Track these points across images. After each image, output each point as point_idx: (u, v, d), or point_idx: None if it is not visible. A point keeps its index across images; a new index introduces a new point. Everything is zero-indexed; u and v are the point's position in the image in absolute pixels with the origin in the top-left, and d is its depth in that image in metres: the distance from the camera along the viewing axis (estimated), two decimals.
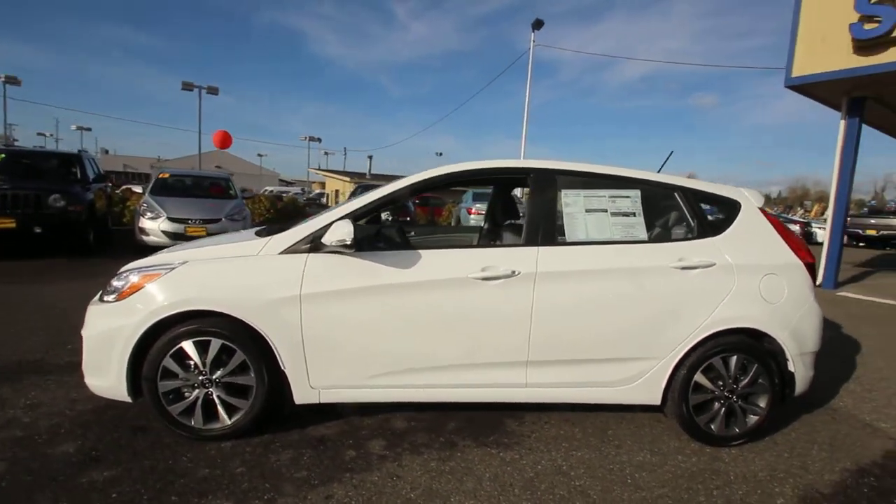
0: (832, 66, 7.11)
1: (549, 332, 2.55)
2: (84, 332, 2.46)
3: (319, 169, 54.27)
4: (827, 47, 7.14)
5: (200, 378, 2.40)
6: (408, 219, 11.97)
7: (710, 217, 2.85)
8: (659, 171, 3.05)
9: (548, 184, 2.71)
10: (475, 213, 12.79)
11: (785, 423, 2.99)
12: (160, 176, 9.66)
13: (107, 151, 64.90)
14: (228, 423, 2.43)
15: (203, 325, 2.37)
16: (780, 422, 2.96)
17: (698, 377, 2.64)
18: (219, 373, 2.41)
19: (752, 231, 2.81)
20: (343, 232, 2.33)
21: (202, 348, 2.38)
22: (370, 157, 48.20)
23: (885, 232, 17.59)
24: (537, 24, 19.07)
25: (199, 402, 2.41)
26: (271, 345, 2.40)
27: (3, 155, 8.52)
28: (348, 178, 40.06)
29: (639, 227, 2.72)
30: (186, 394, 2.42)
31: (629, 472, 2.40)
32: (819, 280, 8.17)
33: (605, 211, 2.73)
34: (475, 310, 2.51)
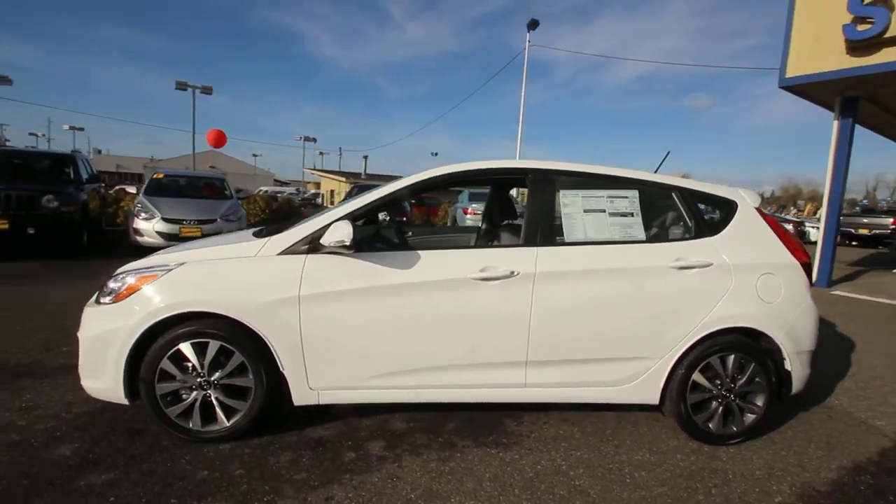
0: (826, 66, 7.16)
1: (549, 332, 2.56)
2: (80, 334, 2.44)
3: (315, 169, 54.14)
4: (820, 48, 7.19)
5: (198, 380, 2.39)
6: (404, 219, 11.96)
7: (706, 217, 2.86)
8: (656, 172, 3.06)
9: (546, 184, 2.72)
10: (471, 213, 12.79)
11: (782, 422, 3.01)
12: (154, 176, 9.59)
13: (99, 151, 64.45)
14: (227, 424, 2.42)
15: (201, 326, 2.36)
16: (776, 420, 2.98)
17: (696, 376, 2.66)
18: (217, 374, 2.40)
19: (748, 231, 2.83)
20: (342, 233, 2.32)
21: (200, 350, 2.37)
22: (366, 157, 48.14)
23: (878, 231, 17.77)
24: (532, 25, 19.08)
25: (198, 404, 2.40)
26: (270, 346, 2.39)
27: None
28: (344, 179, 39.98)
29: (637, 228, 2.73)
30: (184, 396, 2.41)
31: (628, 471, 2.41)
32: (813, 279, 8.21)
33: (604, 211, 2.74)
34: (474, 310, 2.51)
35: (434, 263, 2.52)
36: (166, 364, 2.35)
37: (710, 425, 2.68)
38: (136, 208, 8.19)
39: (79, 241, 7.70)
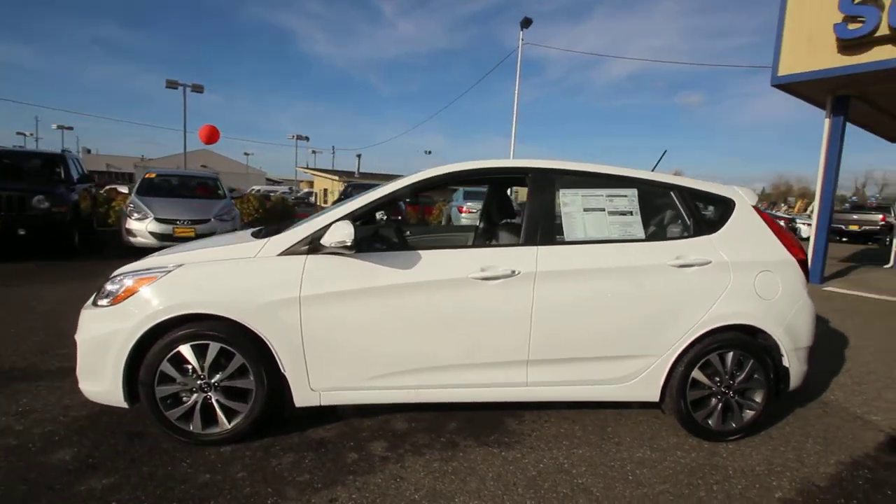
0: (817, 65, 7.23)
1: (549, 331, 2.56)
2: (78, 337, 2.41)
3: (308, 168, 53.88)
4: (812, 47, 7.26)
5: (199, 382, 2.37)
6: (399, 218, 11.94)
7: (704, 215, 2.88)
8: (653, 170, 3.08)
9: (546, 183, 2.72)
10: (466, 212, 12.79)
11: (779, 418, 3.04)
12: (146, 176, 9.49)
13: (89, 151, 63.61)
14: (228, 427, 2.40)
15: (201, 328, 2.34)
16: (774, 416, 3.01)
17: (696, 373, 2.67)
18: (217, 377, 2.38)
19: (746, 229, 2.85)
20: (343, 233, 2.31)
21: (200, 352, 2.35)
22: (359, 156, 48.00)
23: (867, 227, 18.01)
24: (525, 23, 19.11)
25: (198, 406, 2.38)
26: (271, 348, 2.38)
27: None
28: (337, 177, 39.83)
29: (636, 226, 2.74)
30: (184, 398, 2.39)
31: (630, 468, 2.43)
32: None
33: (603, 210, 2.75)
34: (475, 310, 2.51)
35: (435, 263, 2.51)
36: (166, 366, 2.33)
37: (710, 422, 2.71)
38: (129, 208, 8.10)
39: (70, 242, 7.61)
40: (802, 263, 2.85)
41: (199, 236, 7.86)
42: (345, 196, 14.41)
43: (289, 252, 2.44)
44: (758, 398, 2.74)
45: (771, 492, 2.29)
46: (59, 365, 3.35)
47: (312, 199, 39.89)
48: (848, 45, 6.91)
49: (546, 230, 2.64)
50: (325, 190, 42.77)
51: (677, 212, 2.88)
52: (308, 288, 2.38)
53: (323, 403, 2.50)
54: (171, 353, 2.33)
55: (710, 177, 3.17)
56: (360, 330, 2.44)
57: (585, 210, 2.73)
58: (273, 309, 2.35)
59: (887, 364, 4.25)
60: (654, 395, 2.71)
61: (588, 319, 2.59)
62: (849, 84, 7.54)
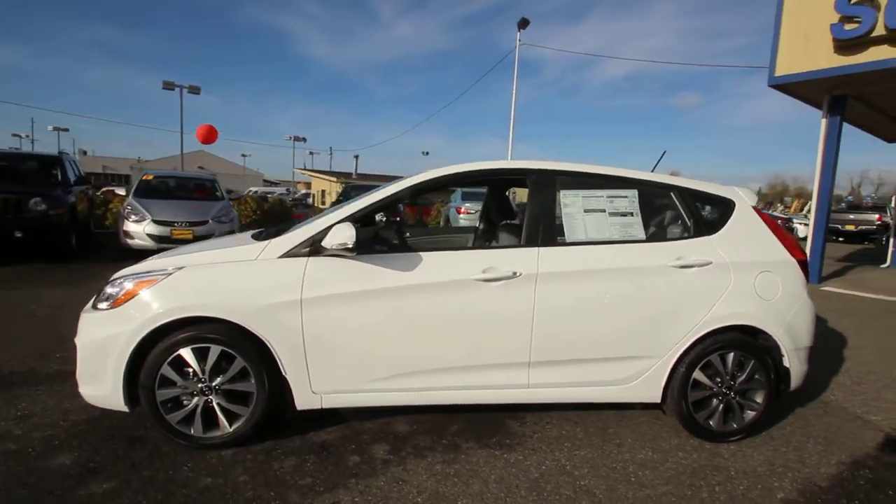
0: (814, 65, 7.26)
1: (551, 333, 2.56)
2: (78, 341, 2.39)
3: (305, 169, 53.82)
4: (809, 47, 7.29)
5: (200, 385, 2.36)
6: (397, 219, 11.93)
7: (705, 216, 2.89)
8: (653, 171, 3.08)
9: (547, 184, 2.72)
10: (464, 213, 12.78)
11: (780, 418, 3.05)
12: (144, 178, 9.46)
13: (85, 152, 63.38)
14: (229, 430, 2.39)
15: (201, 331, 2.33)
16: (774, 416, 3.01)
17: (697, 374, 2.68)
18: (218, 380, 2.37)
19: (746, 229, 2.85)
20: (345, 235, 2.31)
21: (201, 355, 2.34)
22: (356, 157, 47.96)
23: (864, 227, 18.09)
24: (523, 24, 19.12)
25: (199, 409, 2.37)
26: (272, 350, 2.37)
27: None
28: (334, 179, 39.79)
29: (637, 227, 2.74)
30: (185, 402, 2.38)
31: (632, 470, 2.43)
32: None
33: (604, 211, 2.75)
34: (477, 311, 2.50)
35: (436, 265, 2.51)
36: (167, 370, 2.32)
37: (711, 423, 2.71)
38: (126, 210, 8.07)
39: (67, 245, 7.57)
40: (802, 264, 2.86)
41: (197, 238, 7.83)
42: (343, 197, 14.39)
43: (290, 254, 2.43)
44: (759, 399, 2.75)
45: (773, 492, 2.29)
46: (59, 368, 3.33)
47: (310, 200, 39.85)
48: (844, 45, 6.94)
49: (547, 231, 2.64)
50: (323, 191, 42.72)
51: (677, 213, 2.89)
52: (309, 290, 2.37)
53: (324, 406, 2.49)
54: (172, 356, 2.32)
55: (706, 177, 3.18)
56: (361, 332, 2.43)
57: (586, 211, 2.73)
58: (274, 311, 2.34)
59: (886, 364, 4.27)
60: (655, 396, 2.71)
61: (589, 320, 2.60)
62: (845, 84, 7.58)
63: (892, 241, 11.31)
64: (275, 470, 2.27)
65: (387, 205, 2.61)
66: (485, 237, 3.82)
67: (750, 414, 2.74)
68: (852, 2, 6.78)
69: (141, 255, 6.73)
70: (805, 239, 9.23)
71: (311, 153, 64.67)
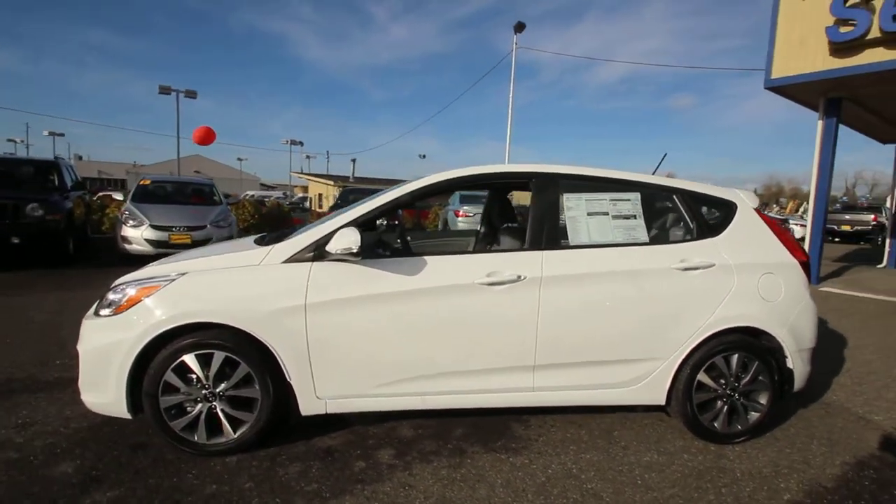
0: (810, 67, 7.31)
1: (556, 336, 2.56)
2: (80, 348, 2.37)
3: (302, 173, 53.69)
4: (805, 50, 7.34)
5: (203, 392, 2.35)
6: (396, 223, 11.92)
7: (707, 218, 2.90)
8: (654, 173, 3.09)
9: (550, 188, 2.72)
10: (463, 216, 12.78)
11: (783, 419, 3.05)
12: (141, 183, 9.43)
13: (80, 157, 63.11)
14: (234, 436, 2.38)
15: (205, 337, 2.32)
16: (778, 417, 3.01)
17: (701, 376, 2.68)
18: (222, 386, 2.35)
19: (748, 231, 2.86)
20: (349, 240, 2.30)
21: (205, 361, 2.32)
22: (353, 161, 47.80)
23: (859, 227, 18.20)
24: (519, 27, 19.20)
25: (203, 416, 2.35)
26: (276, 356, 2.36)
27: None
28: (331, 182, 39.68)
29: (640, 230, 2.75)
30: (189, 408, 2.36)
31: (638, 473, 2.42)
32: None
33: (607, 214, 2.75)
34: (482, 315, 2.50)
35: (440, 269, 2.50)
36: (170, 376, 2.31)
37: (716, 424, 2.71)
38: (124, 215, 8.04)
39: (64, 250, 7.54)
40: (804, 265, 2.87)
41: (195, 243, 7.81)
42: (341, 201, 14.37)
43: (293, 259, 2.43)
44: (763, 400, 2.75)
45: (779, 494, 2.29)
46: (59, 375, 3.30)
47: (307, 203, 39.74)
48: (840, 47, 6.99)
49: (551, 235, 2.64)
50: (320, 195, 42.59)
51: (680, 215, 2.90)
52: (313, 295, 2.36)
53: (329, 411, 2.48)
54: (176, 362, 2.30)
55: (701, 178, 3.19)
56: (366, 337, 2.42)
57: (589, 214, 2.73)
58: (278, 317, 2.33)
59: (886, 364, 4.28)
60: (660, 399, 2.71)
61: (594, 323, 2.60)
62: (841, 86, 7.63)
63: (888, 241, 11.37)
64: (280, 476, 2.25)
65: (390, 209, 2.60)
66: (486, 240, 3.81)
67: (754, 415, 2.74)
68: (847, 4, 6.83)
69: (139, 260, 6.70)
70: (802, 239, 9.27)
71: (307, 157, 64.52)
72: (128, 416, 2.34)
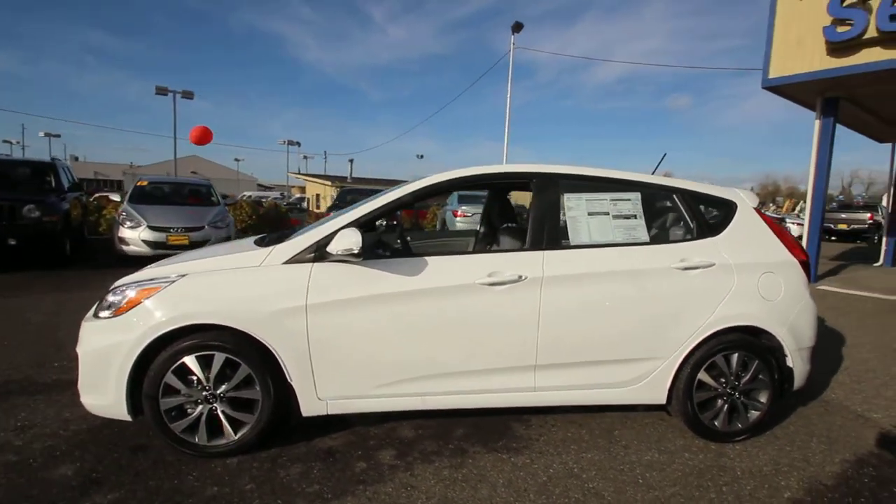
0: (807, 67, 7.34)
1: (557, 336, 2.56)
2: (79, 350, 2.36)
3: (299, 173, 53.63)
4: (802, 50, 7.36)
5: (204, 393, 2.34)
6: (394, 223, 11.91)
7: (707, 218, 2.90)
8: (653, 173, 3.09)
9: (551, 188, 2.72)
10: (461, 216, 12.78)
11: (782, 417, 3.06)
12: (138, 184, 9.39)
13: (76, 158, 62.92)
14: (234, 438, 2.37)
15: (206, 339, 2.31)
16: (777, 416, 3.02)
17: (702, 375, 2.68)
18: (223, 387, 2.35)
19: (748, 231, 2.87)
20: (351, 241, 2.29)
21: (205, 363, 2.32)
22: (351, 161, 47.74)
23: (856, 226, 18.28)
24: (517, 27, 19.20)
25: (203, 418, 2.34)
26: (277, 357, 2.35)
27: None
28: (329, 183, 39.63)
29: (640, 230, 2.75)
30: (189, 410, 2.35)
31: (639, 471, 2.42)
32: None
33: (607, 214, 2.76)
34: (483, 316, 2.50)
35: (441, 269, 2.50)
36: (170, 378, 2.30)
37: (716, 423, 2.71)
38: (121, 217, 8.01)
39: (61, 252, 7.51)
40: (804, 264, 2.88)
41: (192, 244, 7.78)
42: (339, 201, 14.34)
43: (294, 260, 2.42)
44: (763, 398, 2.76)
45: (780, 492, 2.30)
46: (57, 377, 3.29)
47: (305, 204, 39.69)
48: (837, 47, 7.02)
49: (551, 235, 2.64)
50: (318, 195, 42.52)
51: (680, 215, 2.90)
52: (314, 296, 2.35)
53: (330, 412, 2.47)
54: (176, 364, 2.29)
55: (698, 177, 3.20)
56: (367, 338, 2.42)
57: (590, 214, 2.74)
58: (279, 318, 2.33)
59: (884, 362, 4.30)
60: (660, 398, 2.72)
61: (595, 323, 2.60)
62: (838, 86, 7.66)
63: (884, 239, 11.42)
64: (281, 477, 2.25)
65: (391, 210, 2.60)
66: (486, 240, 3.81)
67: (754, 414, 2.75)
68: (844, 4, 6.86)
69: (136, 261, 6.68)
70: (800, 238, 9.29)
71: (305, 157, 64.48)
72: (128, 418, 2.33)
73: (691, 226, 2.84)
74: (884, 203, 16.52)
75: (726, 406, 2.72)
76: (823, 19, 7.03)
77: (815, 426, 3.00)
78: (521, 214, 4.03)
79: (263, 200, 24.01)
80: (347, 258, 2.36)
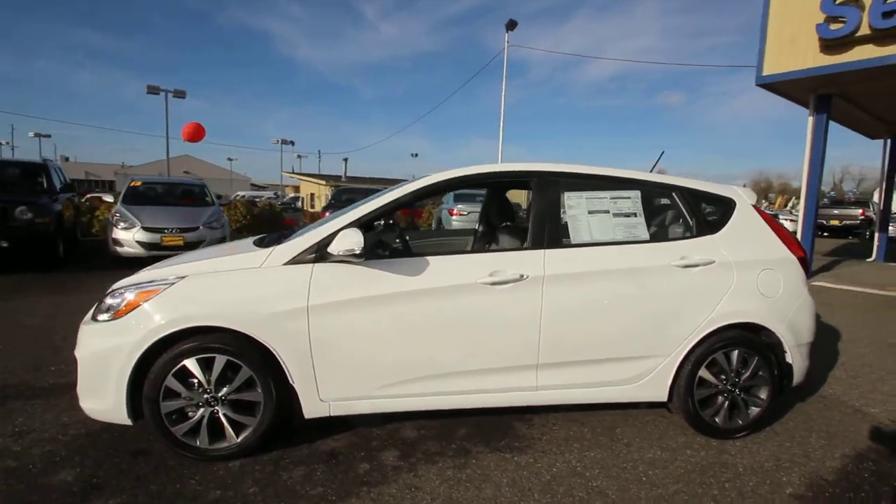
0: (801, 65, 7.39)
1: (559, 335, 2.56)
2: (78, 354, 2.34)
3: (293, 172, 53.43)
4: (795, 47, 7.41)
5: (205, 396, 2.32)
6: (391, 222, 11.89)
7: (706, 215, 2.91)
8: (651, 171, 3.10)
9: (551, 186, 2.72)
10: (457, 215, 12.77)
11: (781, 413, 3.08)
12: (132, 184, 9.31)
13: (67, 159, 62.25)
14: (236, 441, 2.35)
15: (206, 341, 2.29)
16: (776, 412, 3.04)
17: (702, 372, 2.70)
18: (224, 390, 2.33)
19: (747, 228, 2.88)
20: (352, 241, 2.28)
21: (206, 365, 2.30)
22: (346, 160, 47.61)
23: (848, 222, 18.45)
24: (511, 25, 19.20)
25: (205, 421, 2.33)
26: (279, 359, 2.34)
27: None
28: (323, 182, 39.53)
29: (640, 228, 2.76)
30: (190, 413, 2.33)
31: (642, 469, 2.43)
32: None
33: (608, 212, 2.76)
34: (485, 315, 2.49)
35: (442, 269, 2.49)
36: (171, 381, 2.28)
37: (717, 420, 2.73)
38: (115, 218, 7.94)
39: (55, 254, 7.43)
40: (802, 261, 2.90)
41: (187, 244, 7.73)
42: (334, 200, 14.29)
43: (295, 261, 2.40)
44: (763, 395, 2.77)
45: (782, 487, 2.31)
46: (54, 381, 3.25)
47: (299, 203, 39.55)
48: (830, 44, 7.07)
49: (552, 233, 2.64)
50: (312, 195, 42.40)
51: (680, 212, 2.91)
52: (316, 297, 2.34)
53: (333, 414, 2.46)
54: (177, 367, 2.27)
55: (691, 174, 3.21)
56: (369, 338, 2.41)
57: (590, 212, 2.74)
58: (280, 319, 2.31)
59: (880, 357, 4.34)
60: (662, 395, 2.73)
61: (596, 321, 2.60)
62: (831, 83, 7.71)
63: (876, 235, 11.54)
64: (284, 480, 2.23)
65: (392, 209, 2.59)
66: (485, 239, 3.81)
67: (755, 410, 2.77)
68: (837, 2, 6.91)
69: (130, 262, 6.63)
70: (793, 234, 9.36)
71: (299, 156, 64.08)
72: (128, 422, 2.30)
73: (691, 223, 2.85)
74: (875, 199, 16.69)
75: (727, 403, 2.73)
76: (817, 17, 7.08)
77: (814, 422, 3.02)
78: (515, 213, 4.03)
79: (257, 200, 23.90)
80: (349, 259, 2.35)
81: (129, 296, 2.35)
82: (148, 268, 2.65)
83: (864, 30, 6.69)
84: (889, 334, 5.11)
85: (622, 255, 2.67)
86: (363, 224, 2.50)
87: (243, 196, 31.54)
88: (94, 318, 2.40)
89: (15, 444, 2.48)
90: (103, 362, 2.27)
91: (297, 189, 52.39)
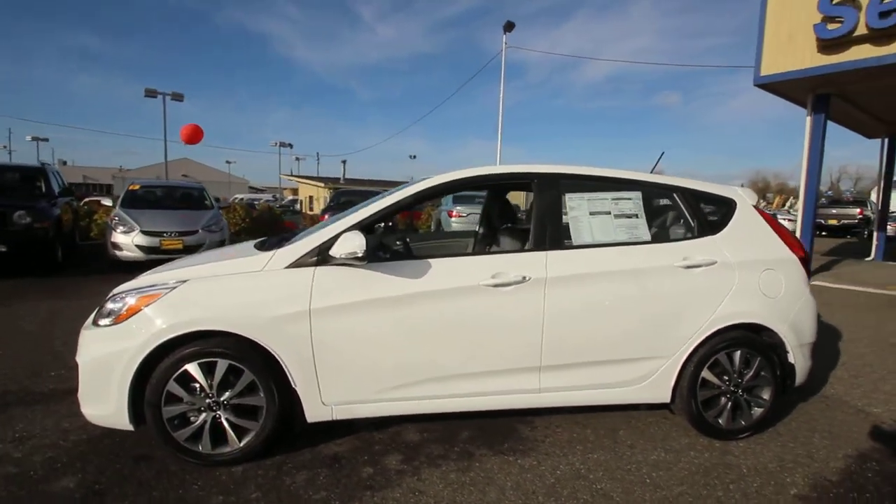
0: (798, 65, 7.40)
1: (561, 336, 2.56)
2: (79, 359, 2.32)
3: (292, 175, 53.40)
4: (793, 47, 7.43)
5: (207, 401, 2.31)
6: (390, 224, 11.88)
7: (707, 216, 2.91)
8: (651, 172, 3.10)
9: (553, 188, 2.72)
10: (456, 216, 12.77)
11: (784, 414, 3.08)
12: (130, 188, 9.28)
13: (65, 162, 62.23)
14: (239, 446, 2.34)
15: (208, 345, 2.28)
16: (779, 412, 3.04)
17: (705, 373, 2.69)
18: (226, 394, 2.32)
19: (748, 228, 2.88)
20: (354, 244, 2.28)
21: (208, 370, 2.29)
22: (344, 162, 47.59)
23: (846, 221, 18.50)
24: (508, 27, 19.22)
25: (207, 426, 2.31)
26: (281, 363, 2.33)
27: None
28: (322, 184, 39.53)
29: (642, 229, 2.76)
30: (192, 418, 2.32)
31: (646, 471, 2.43)
32: None
33: (609, 213, 2.76)
34: (488, 317, 2.49)
35: (445, 271, 2.49)
36: (173, 386, 2.26)
37: (720, 421, 2.72)
38: (114, 221, 7.92)
39: (53, 258, 7.41)
40: (803, 261, 2.90)
41: (186, 248, 7.72)
42: (333, 203, 14.27)
43: (297, 264, 2.40)
44: (766, 395, 2.77)
45: (786, 488, 2.31)
46: (54, 387, 3.23)
47: (298, 206, 39.51)
48: (827, 44, 7.09)
49: (554, 235, 2.64)
50: (311, 197, 42.38)
51: (681, 213, 2.91)
52: (318, 300, 2.33)
53: (336, 418, 2.45)
54: (178, 371, 2.26)
55: (689, 175, 3.21)
56: (372, 341, 2.40)
57: (591, 214, 2.74)
58: (282, 323, 2.30)
59: (881, 356, 4.35)
60: (665, 397, 2.72)
61: (599, 323, 2.60)
62: (829, 83, 7.73)
63: (875, 234, 11.56)
64: (287, 485, 2.22)
65: (394, 212, 2.58)
66: (485, 241, 3.81)
67: (758, 411, 2.76)
68: (835, 2, 6.93)
69: (130, 266, 6.61)
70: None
71: (297, 159, 64.02)
72: (130, 427, 2.29)
73: (692, 224, 2.85)
74: (873, 198, 16.73)
75: (730, 403, 2.73)
76: (814, 17, 7.10)
77: (816, 422, 3.02)
78: (516, 214, 4.03)
79: (256, 203, 23.84)
80: (351, 261, 2.34)
81: (131, 300, 2.34)
82: (149, 272, 2.64)
83: (862, 29, 6.71)
84: (889, 334, 5.12)
85: (624, 256, 2.66)
86: (365, 227, 2.49)
87: (241, 199, 31.47)
88: (94, 323, 2.38)
89: (15, 450, 2.46)
90: (105, 367, 2.26)
91: (295, 192, 52.35)
